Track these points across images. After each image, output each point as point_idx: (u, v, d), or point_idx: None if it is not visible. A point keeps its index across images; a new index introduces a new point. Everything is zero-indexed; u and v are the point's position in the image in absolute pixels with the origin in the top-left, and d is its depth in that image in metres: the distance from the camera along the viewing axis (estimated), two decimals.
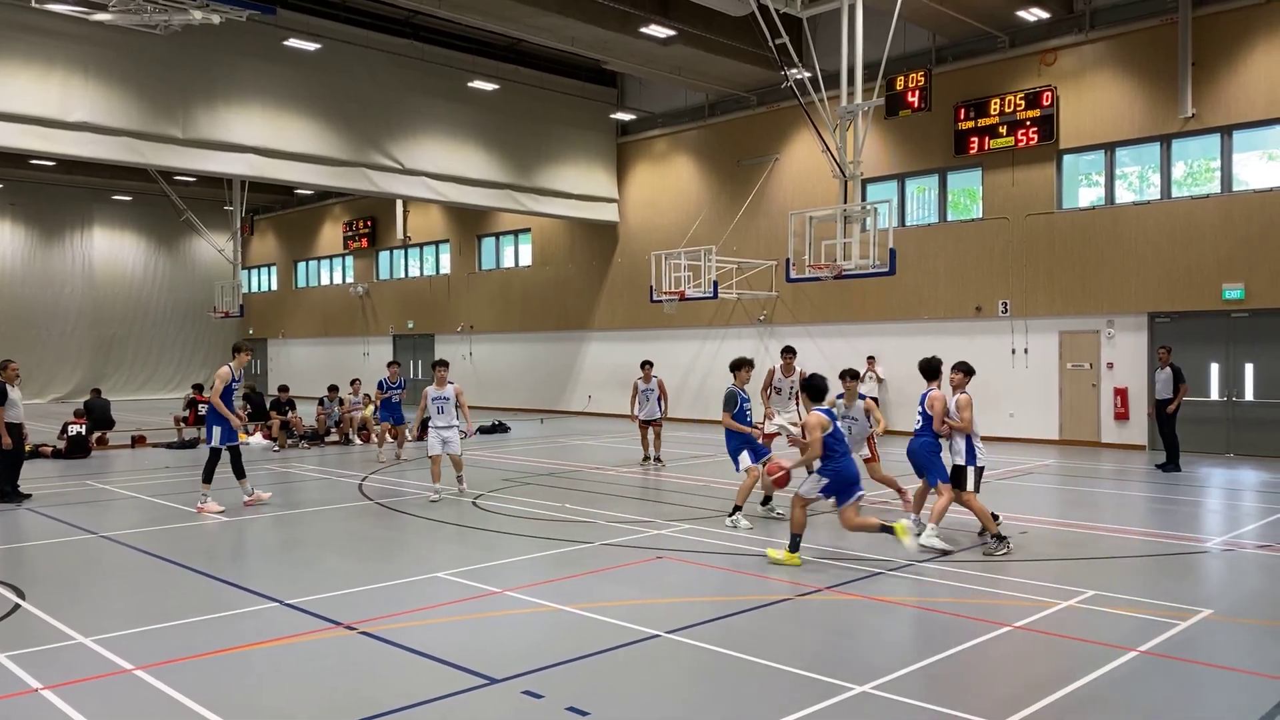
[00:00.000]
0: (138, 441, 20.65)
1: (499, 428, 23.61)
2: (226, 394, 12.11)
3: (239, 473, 12.47)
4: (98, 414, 20.27)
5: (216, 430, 12.10)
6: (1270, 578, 8.48)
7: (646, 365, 17.01)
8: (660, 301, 23.36)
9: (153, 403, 35.68)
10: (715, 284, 22.35)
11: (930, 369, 10.09)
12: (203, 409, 21.67)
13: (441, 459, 12.86)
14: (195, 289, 41.59)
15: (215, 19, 17.57)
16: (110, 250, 40.56)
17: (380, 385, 18.31)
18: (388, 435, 18.16)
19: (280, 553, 10.00)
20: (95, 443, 19.63)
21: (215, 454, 12.15)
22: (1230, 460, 17.02)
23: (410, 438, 18.66)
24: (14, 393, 13.19)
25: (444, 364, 13.58)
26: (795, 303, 23.95)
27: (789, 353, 13.33)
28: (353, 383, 21.95)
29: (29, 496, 13.30)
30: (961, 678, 5.92)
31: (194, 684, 5.71)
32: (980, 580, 8.22)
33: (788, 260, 18.41)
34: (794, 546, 8.73)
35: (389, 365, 18.80)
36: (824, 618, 7.26)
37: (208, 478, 12.09)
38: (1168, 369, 15.31)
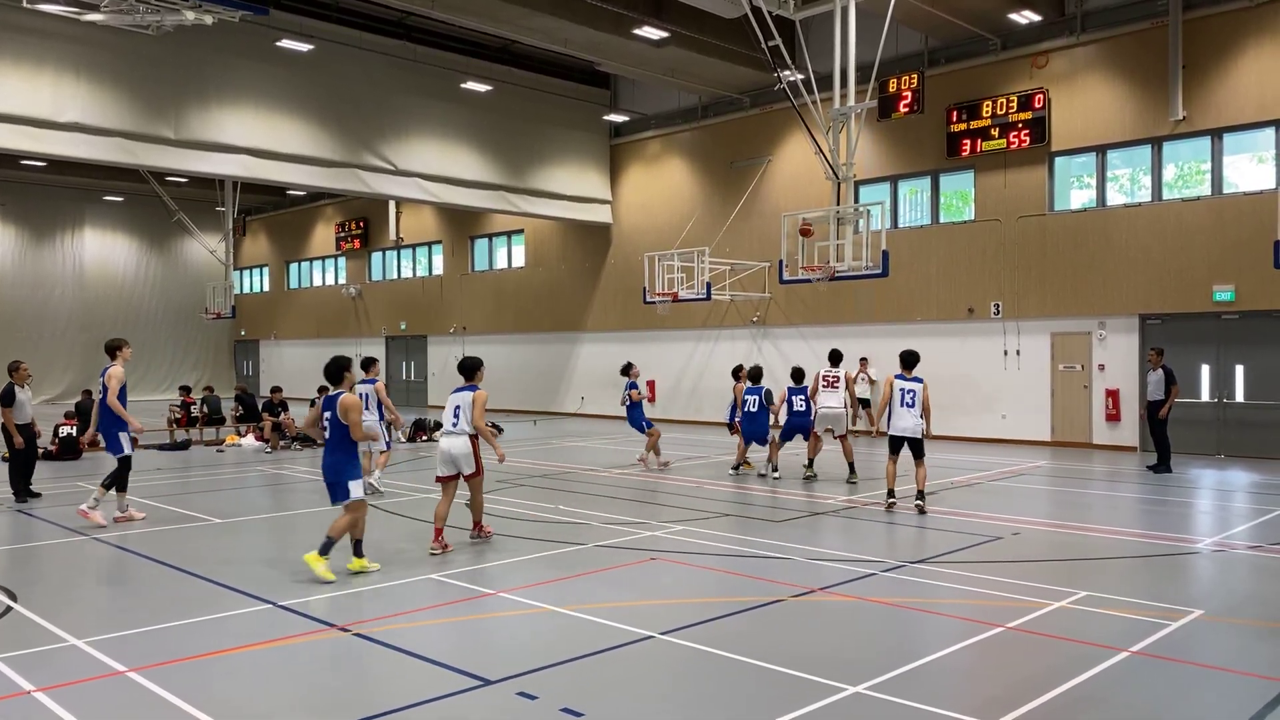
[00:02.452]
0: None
1: (492, 429, 23.56)
2: (122, 396, 11.30)
3: (120, 484, 11.40)
4: (89, 415, 20.13)
5: (123, 437, 11.31)
6: (1261, 578, 8.53)
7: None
8: (653, 303, 23.37)
9: (144, 404, 35.53)
10: (708, 285, 22.38)
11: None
12: (194, 410, 21.71)
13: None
14: (187, 290, 41.46)
15: (207, 19, 17.55)
16: (101, 251, 40.39)
17: (636, 388, 16.65)
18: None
19: (273, 554, 9.97)
20: (86, 444, 19.52)
21: (126, 462, 11.41)
22: (1221, 461, 17.10)
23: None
24: (22, 394, 13.27)
25: (374, 361, 15.07)
26: (788, 304, 23.99)
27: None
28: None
29: (39, 496, 13.37)
30: (954, 678, 5.94)
31: (187, 686, 5.70)
32: (972, 581, 8.25)
33: (781, 262, 18.44)
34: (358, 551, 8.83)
35: (628, 369, 16.92)
36: (817, 618, 7.27)
37: (111, 485, 11.27)
38: (1160, 370, 15.37)
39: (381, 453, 13.83)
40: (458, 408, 9.68)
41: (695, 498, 13.15)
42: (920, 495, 11.60)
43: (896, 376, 11.80)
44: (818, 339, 23.21)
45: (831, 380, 14.83)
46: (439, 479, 9.68)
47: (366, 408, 13.36)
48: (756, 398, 15.02)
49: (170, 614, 7.28)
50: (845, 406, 14.77)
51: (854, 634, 6.93)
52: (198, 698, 5.51)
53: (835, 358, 15.16)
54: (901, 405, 11.63)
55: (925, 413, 11.65)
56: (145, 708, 5.44)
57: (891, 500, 11.80)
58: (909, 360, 11.91)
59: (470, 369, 9.90)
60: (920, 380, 11.71)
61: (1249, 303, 17.39)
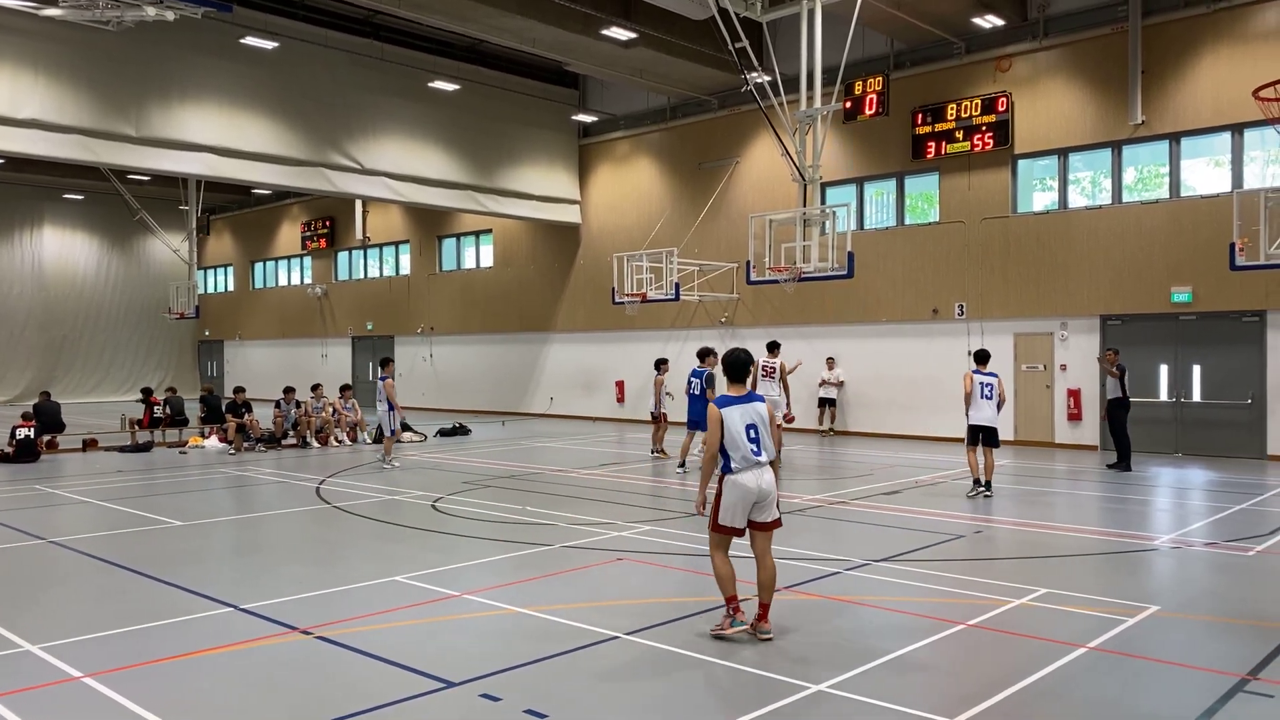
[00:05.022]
0: (89, 445, 20.26)
1: (459, 430, 23.47)
2: None
3: None
4: (47, 417, 19.84)
5: None
6: (1216, 574, 8.70)
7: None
8: (622, 303, 23.38)
9: (105, 405, 35.00)
10: (677, 286, 22.41)
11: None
12: (157, 410, 21.42)
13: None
14: (149, 290, 40.88)
15: (169, 15, 17.29)
16: (61, 250, 39.69)
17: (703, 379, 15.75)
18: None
19: (235, 557, 9.87)
20: (45, 446, 19.23)
21: None
22: (1179, 460, 17.40)
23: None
24: None
25: (389, 360, 17.60)
26: (756, 305, 24.10)
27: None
28: (314, 388, 21.68)
29: None
30: (916, 675, 5.99)
31: (146, 691, 5.63)
32: (934, 579, 8.33)
33: (748, 263, 18.53)
34: None
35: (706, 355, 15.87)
36: (781, 617, 7.30)
37: None
38: (1115, 369, 15.77)
39: (386, 438, 16.94)
40: (753, 425, 6.61)
41: (662, 498, 13.17)
42: (987, 485, 12.83)
43: (974, 372, 12.94)
44: (785, 339, 23.28)
45: (768, 370, 15.72)
46: (736, 531, 6.66)
47: (381, 400, 17.07)
48: (699, 381, 15.61)
49: (129, 618, 7.18)
50: (782, 395, 15.81)
51: (817, 632, 6.97)
52: (156, 703, 5.44)
53: (773, 347, 16.23)
54: (981, 397, 12.78)
55: (1000, 402, 12.86)
56: (102, 714, 5.35)
57: (978, 489, 12.85)
58: (983, 357, 13.16)
59: (745, 365, 6.85)
60: (996, 375, 12.99)
61: (1206, 304, 17.72)
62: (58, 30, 17.94)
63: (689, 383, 15.84)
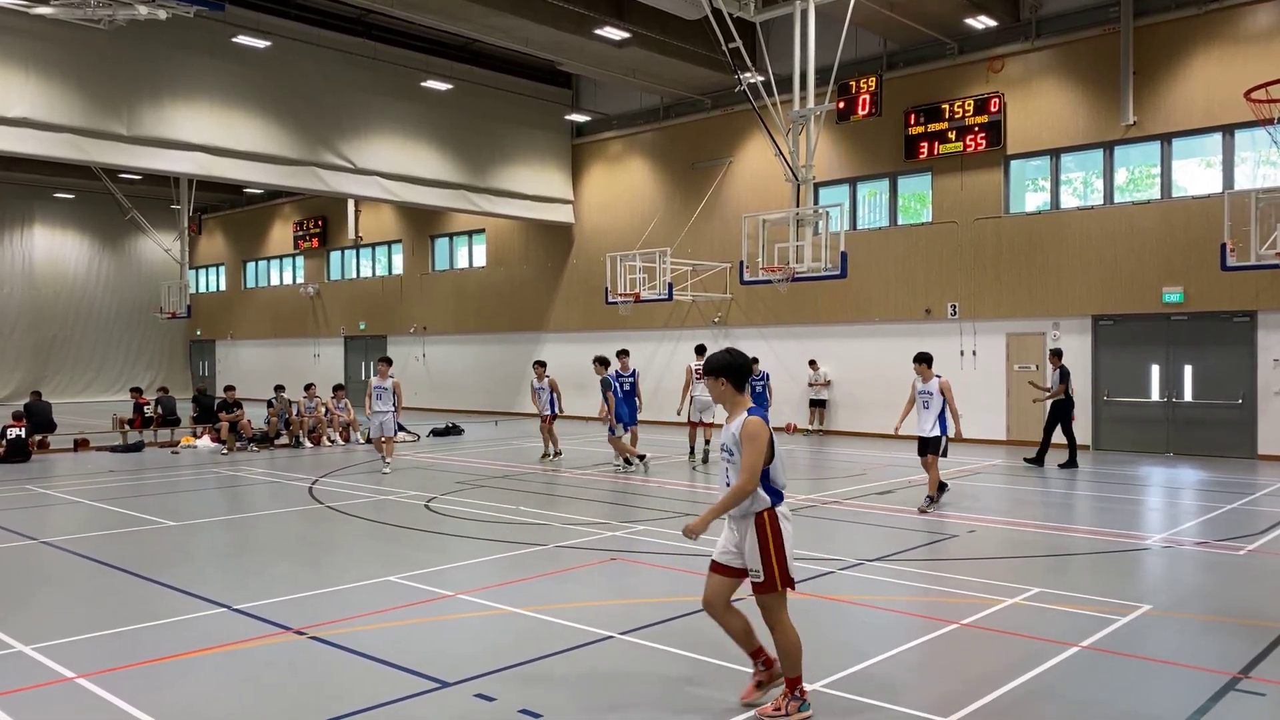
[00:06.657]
0: (80, 445, 20.18)
1: (452, 430, 23.44)
2: None
3: None
4: (38, 417, 19.76)
5: None
6: (1207, 573, 8.74)
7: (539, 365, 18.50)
8: (615, 303, 23.38)
9: (96, 405, 34.86)
10: (670, 286, 22.42)
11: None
12: (147, 411, 21.35)
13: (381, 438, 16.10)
14: (141, 289, 40.74)
15: (161, 14, 17.24)
16: (51, 249, 39.56)
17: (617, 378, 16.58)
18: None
19: (228, 557, 9.83)
20: (35, 446, 19.15)
21: None
22: (1170, 459, 17.47)
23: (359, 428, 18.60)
24: None
25: (388, 360, 16.62)
26: (749, 305, 24.11)
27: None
28: (307, 387, 21.63)
29: None
30: (910, 674, 6.01)
31: (138, 692, 5.61)
32: (928, 579, 8.35)
33: (741, 263, 18.55)
34: None
35: (621, 355, 17.20)
36: None
37: None
38: (1058, 371, 16.19)
39: (388, 439, 16.05)
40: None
41: (655, 497, 13.17)
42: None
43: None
44: (778, 339, 23.38)
45: (699, 373, 16.19)
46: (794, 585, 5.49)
47: (379, 398, 15.96)
48: (632, 379, 16.63)
49: (122, 619, 7.16)
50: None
51: (812, 632, 6.96)
52: (150, 703, 5.42)
53: (701, 350, 17.25)
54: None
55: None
56: (95, 715, 5.34)
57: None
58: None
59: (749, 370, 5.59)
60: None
61: (1197, 304, 17.79)
62: (49, 29, 17.87)
63: (621, 384, 16.45)
